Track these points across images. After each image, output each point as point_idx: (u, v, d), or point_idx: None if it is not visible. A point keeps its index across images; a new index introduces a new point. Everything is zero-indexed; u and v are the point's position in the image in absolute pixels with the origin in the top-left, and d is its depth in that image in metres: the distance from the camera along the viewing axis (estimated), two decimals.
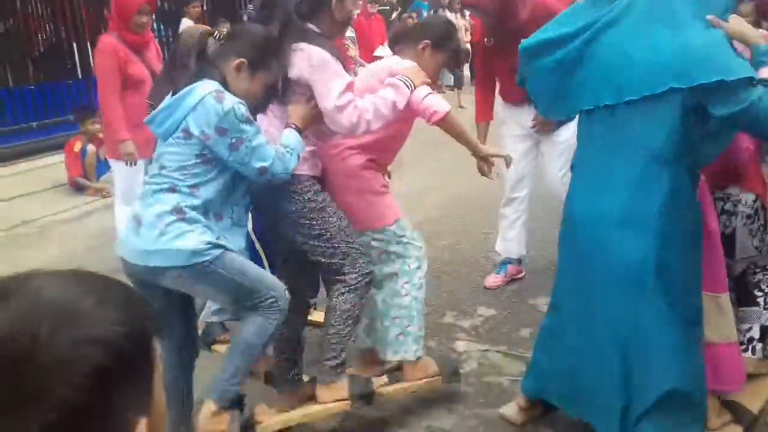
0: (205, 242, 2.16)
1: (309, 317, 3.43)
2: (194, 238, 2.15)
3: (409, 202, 5.63)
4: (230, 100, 2.12)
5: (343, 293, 2.57)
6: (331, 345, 2.61)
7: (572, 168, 2.52)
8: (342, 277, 2.56)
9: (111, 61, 4.12)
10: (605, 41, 2.22)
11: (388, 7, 9.53)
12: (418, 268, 2.82)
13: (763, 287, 2.80)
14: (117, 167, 4.40)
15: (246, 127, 2.15)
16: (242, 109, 2.15)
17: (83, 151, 6.46)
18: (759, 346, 2.78)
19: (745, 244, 2.69)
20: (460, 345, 3.41)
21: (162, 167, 2.20)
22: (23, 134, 7.48)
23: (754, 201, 2.65)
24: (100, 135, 6.20)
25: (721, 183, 2.61)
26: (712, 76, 1.94)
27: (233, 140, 2.12)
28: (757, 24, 6.64)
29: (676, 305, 2.20)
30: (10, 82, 7.72)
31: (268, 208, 2.55)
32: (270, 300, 2.30)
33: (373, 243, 2.80)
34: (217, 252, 2.18)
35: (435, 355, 3.14)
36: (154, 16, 4.85)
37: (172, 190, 2.17)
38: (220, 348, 3.38)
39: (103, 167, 6.38)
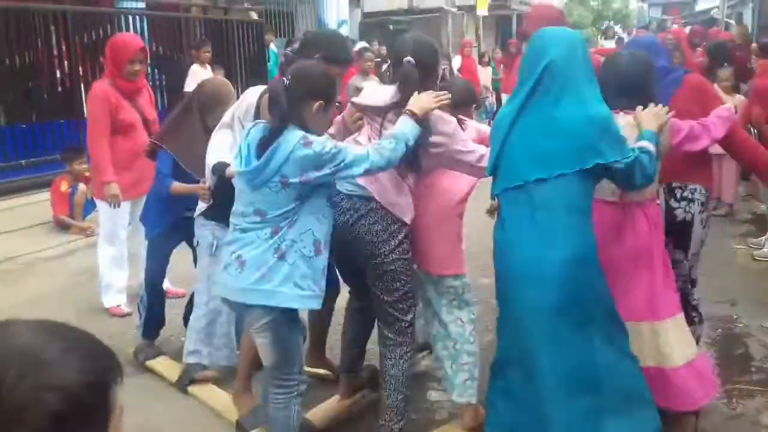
0: (296, 285, 2.34)
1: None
2: (289, 275, 2.33)
3: None
4: (317, 142, 2.29)
5: (391, 357, 2.81)
6: (393, 411, 2.82)
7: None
8: (397, 314, 2.79)
9: (102, 106, 4.23)
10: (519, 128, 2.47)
11: (379, 59, 9.89)
12: (476, 318, 3.08)
13: (699, 308, 3.25)
14: (102, 208, 4.47)
15: (336, 153, 2.30)
16: (329, 143, 2.32)
17: (73, 189, 6.52)
18: None
19: (698, 234, 3.10)
20: (433, 395, 3.44)
21: (259, 212, 2.34)
22: (12, 172, 7.53)
23: (705, 191, 3.10)
24: (87, 174, 6.27)
25: (678, 177, 3.04)
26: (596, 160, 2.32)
27: (332, 169, 2.30)
28: (735, 88, 6.92)
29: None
30: (2, 121, 7.81)
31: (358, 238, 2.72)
32: (295, 383, 2.55)
33: (450, 288, 3.01)
34: (301, 299, 2.37)
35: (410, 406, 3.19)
36: (149, 62, 4.99)
37: (275, 233, 2.33)
38: (198, 391, 3.42)
39: (89, 206, 6.43)
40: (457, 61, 12.84)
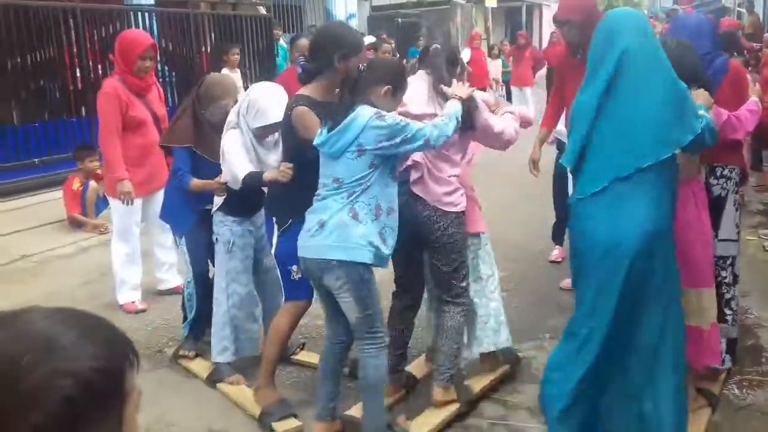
0: (369, 242, 2.66)
1: (299, 358, 3.58)
2: (363, 234, 2.65)
3: None
4: (389, 116, 2.66)
5: (450, 311, 3.16)
6: (446, 357, 3.16)
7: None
8: (454, 282, 3.14)
9: (113, 104, 4.27)
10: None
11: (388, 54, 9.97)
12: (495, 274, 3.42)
13: (732, 305, 3.31)
14: (114, 205, 4.51)
15: (404, 126, 2.64)
16: (398, 117, 2.70)
17: (84, 187, 6.58)
18: (727, 357, 3.27)
19: (731, 215, 3.28)
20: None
21: (336, 180, 2.68)
22: (26, 170, 7.61)
23: (740, 171, 3.32)
24: (99, 172, 6.34)
25: (716, 159, 3.18)
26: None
27: (401, 139, 2.63)
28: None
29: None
30: (15, 120, 7.88)
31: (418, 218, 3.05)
32: (381, 335, 2.80)
33: (470, 246, 3.29)
34: (372, 255, 2.66)
35: (420, 395, 3.23)
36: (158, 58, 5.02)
37: (349, 196, 2.66)
38: (224, 387, 3.47)
39: (102, 204, 6.49)
40: (466, 54, 12.79)
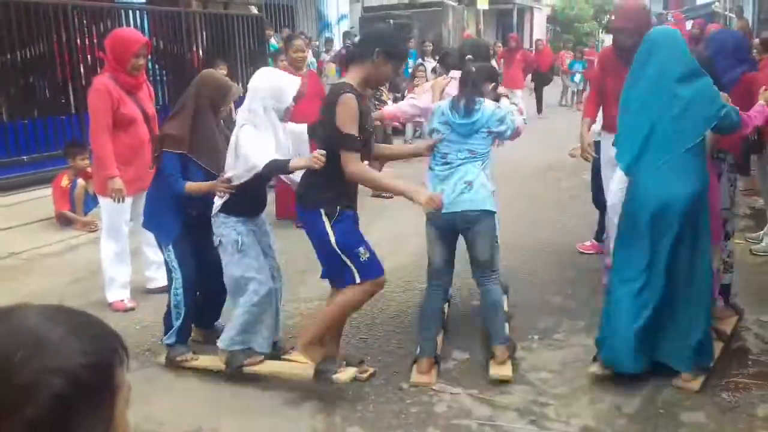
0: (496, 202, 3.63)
1: (288, 357, 3.58)
2: (493, 192, 3.58)
3: (391, 246, 5.73)
4: (503, 107, 3.67)
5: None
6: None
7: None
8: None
9: (104, 101, 4.26)
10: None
11: None
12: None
13: (724, 257, 3.97)
14: (104, 203, 4.51)
15: (506, 115, 3.58)
16: (505, 108, 3.67)
17: (73, 184, 6.55)
18: (720, 299, 3.94)
19: (725, 186, 3.97)
20: (435, 388, 3.48)
21: (471, 151, 3.51)
22: (14, 167, 7.55)
23: (733, 157, 4.04)
24: (89, 170, 6.31)
25: (718, 144, 3.78)
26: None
27: (506, 125, 3.57)
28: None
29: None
30: (4, 117, 7.82)
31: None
32: (498, 270, 3.77)
33: None
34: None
35: (408, 400, 3.24)
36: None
37: (482, 162, 3.53)
38: (256, 368, 3.57)
39: (91, 202, 6.46)
40: None
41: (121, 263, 4.60)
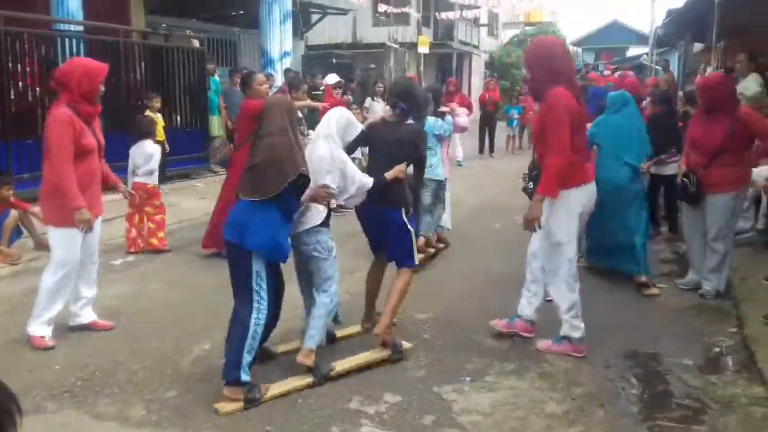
0: None
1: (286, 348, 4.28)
2: None
3: None
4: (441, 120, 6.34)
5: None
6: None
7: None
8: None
9: (68, 132, 4.21)
10: None
11: (319, 91, 10.17)
12: None
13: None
14: (56, 235, 4.38)
15: (444, 124, 6.18)
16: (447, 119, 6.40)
17: (5, 214, 6.27)
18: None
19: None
20: (364, 431, 3.43)
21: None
22: None
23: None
24: (12, 200, 6.14)
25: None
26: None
27: (444, 130, 5.92)
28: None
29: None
30: None
31: None
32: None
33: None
34: None
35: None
36: None
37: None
38: (348, 363, 4.07)
39: (14, 234, 6.22)
40: None
41: (58, 299, 4.42)
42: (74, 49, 9.15)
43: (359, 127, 4.29)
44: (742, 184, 5.37)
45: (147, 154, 6.84)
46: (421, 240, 6.30)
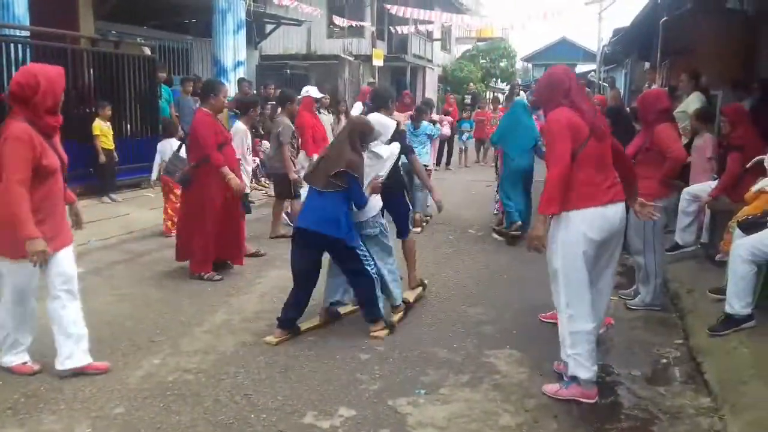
0: None
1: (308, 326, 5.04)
2: None
3: (282, 297, 5.63)
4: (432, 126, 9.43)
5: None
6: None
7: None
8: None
9: (27, 152, 3.72)
10: None
11: (274, 102, 10.12)
12: None
13: None
14: (11, 269, 3.93)
15: (434, 129, 9.49)
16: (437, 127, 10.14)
17: None
18: None
19: None
20: None
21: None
22: None
23: None
24: None
25: None
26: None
27: (433, 132, 9.44)
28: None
29: None
30: None
31: None
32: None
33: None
34: None
35: None
36: None
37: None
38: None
39: None
40: (358, 107, 13.16)
41: (22, 327, 4.11)
42: (20, 55, 8.90)
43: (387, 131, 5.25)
44: (650, 198, 4.98)
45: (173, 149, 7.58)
46: (418, 216, 8.58)
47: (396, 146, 5.29)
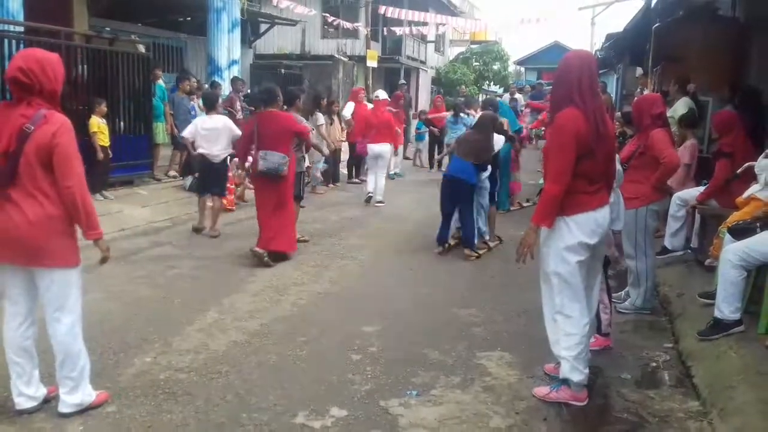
0: None
1: None
2: None
3: (274, 296, 5.63)
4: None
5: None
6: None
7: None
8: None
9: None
10: None
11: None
12: None
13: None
14: (76, 274, 3.72)
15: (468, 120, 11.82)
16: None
17: None
18: None
19: None
20: None
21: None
22: None
23: None
24: None
25: None
26: None
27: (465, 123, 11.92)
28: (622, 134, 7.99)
29: None
30: None
31: None
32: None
33: None
34: None
35: None
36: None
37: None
38: None
39: None
40: (350, 107, 13.18)
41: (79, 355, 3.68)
42: (14, 50, 8.85)
43: None
44: (643, 201, 5.28)
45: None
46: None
47: (501, 138, 7.90)
